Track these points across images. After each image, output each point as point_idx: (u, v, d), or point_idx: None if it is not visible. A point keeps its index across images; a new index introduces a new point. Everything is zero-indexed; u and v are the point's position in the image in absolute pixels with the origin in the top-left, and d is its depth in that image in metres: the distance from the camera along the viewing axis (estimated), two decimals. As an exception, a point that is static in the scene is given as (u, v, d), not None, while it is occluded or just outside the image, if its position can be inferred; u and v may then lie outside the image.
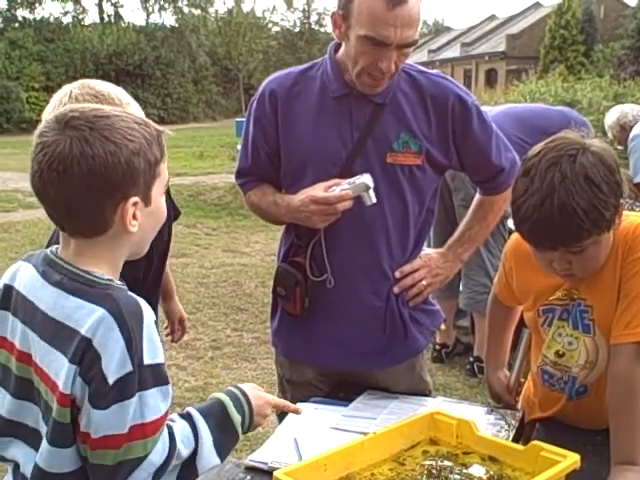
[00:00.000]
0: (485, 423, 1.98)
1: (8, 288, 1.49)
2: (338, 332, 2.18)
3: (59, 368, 1.33)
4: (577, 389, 1.96)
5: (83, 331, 1.31)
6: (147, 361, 1.32)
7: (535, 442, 1.59)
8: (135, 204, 1.38)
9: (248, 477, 1.80)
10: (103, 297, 1.35)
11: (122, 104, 1.95)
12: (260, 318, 5.72)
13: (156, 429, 1.33)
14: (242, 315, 5.78)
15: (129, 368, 1.30)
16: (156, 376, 1.34)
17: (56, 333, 1.36)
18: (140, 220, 1.40)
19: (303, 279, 2.15)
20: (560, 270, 1.82)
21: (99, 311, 1.32)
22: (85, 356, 1.30)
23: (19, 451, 1.45)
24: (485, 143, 2.17)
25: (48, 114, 1.92)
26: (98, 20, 38.15)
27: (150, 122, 1.46)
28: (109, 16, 38.27)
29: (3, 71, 29.89)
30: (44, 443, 1.35)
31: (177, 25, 36.99)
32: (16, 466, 1.47)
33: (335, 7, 2.01)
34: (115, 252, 1.43)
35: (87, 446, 1.32)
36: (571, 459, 1.50)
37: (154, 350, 1.34)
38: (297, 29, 39.32)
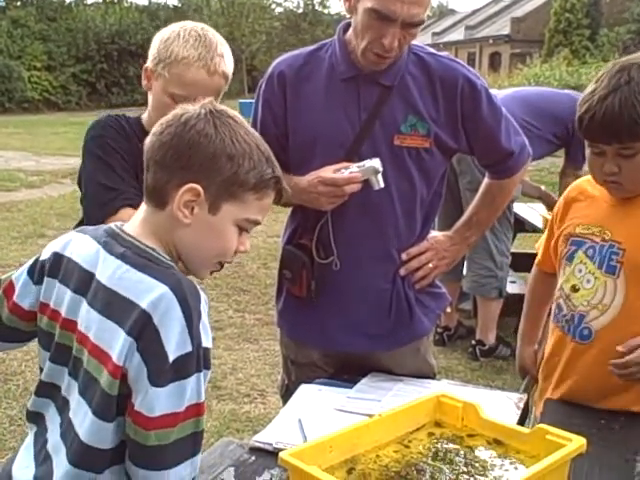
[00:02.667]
0: (489, 406, 1.98)
1: (58, 257, 1.50)
2: (344, 314, 2.18)
3: (113, 338, 1.33)
4: (581, 330, 1.98)
5: (144, 305, 1.31)
6: (204, 344, 1.34)
7: (541, 425, 1.59)
8: (196, 194, 1.38)
9: (252, 457, 1.81)
10: (167, 275, 1.36)
11: (215, 51, 2.00)
12: (262, 299, 5.72)
13: (204, 408, 1.37)
14: (244, 296, 5.78)
15: (189, 348, 1.31)
16: (207, 359, 1.36)
17: (112, 304, 1.36)
18: (196, 220, 1.40)
19: (309, 261, 2.15)
20: (609, 174, 1.90)
21: (162, 288, 1.32)
22: (144, 331, 1.30)
23: (52, 415, 1.47)
24: (494, 126, 2.16)
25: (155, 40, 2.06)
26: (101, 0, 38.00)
27: (275, 162, 1.47)
28: (112, -5, 38.13)
29: (5, 50, 29.78)
30: (88, 414, 1.35)
31: (180, 5, 36.84)
32: (39, 432, 1.48)
33: None
34: (170, 238, 1.43)
35: (142, 429, 1.31)
36: (577, 443, 1.50)
37: (207, 334, 1.36)
38: (300, 10, 39.15)
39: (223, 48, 2.04)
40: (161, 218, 1.42)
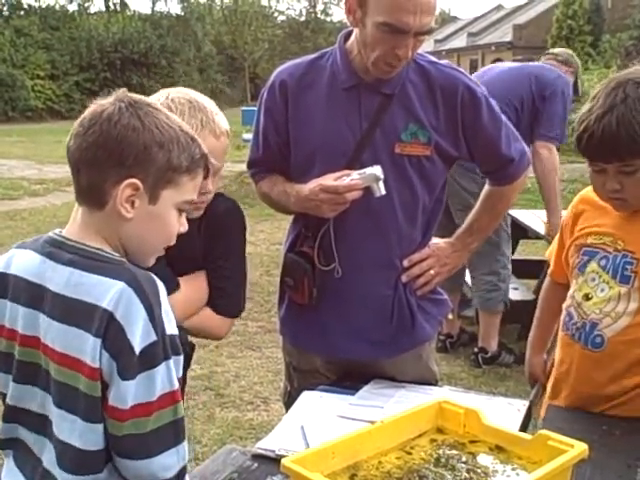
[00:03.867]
0: (491, 412, 1.98)
1: (3, 276, 1.48)
2: (345, 321, 2.19)
3: (82, 344, 1.34)
4: (593, 338, 1.98)
5: (104, 304, 1.32)
6: (169, 331, 1.36)
7: (542, 431, 1.59)
8: (136, 188, 1.38)
9: (255, 464, 1.80)
10: (120, 271, 1.36)
11: (212, 112, 1.95)
12: (265, 307, 5.73)
13: (179, 394, 1.38)
14: (247, 304, 5.74)
15: (154, 337, 1.32)
16: (175, 345, 1.38)
17: (73, 311, 1.36)
18: (139, 213, 1.40)
19: (311, 269, 2.16)
20: (612, 192, 1.90)
21: (118, 284, 1.33)
22: (109, 329, 1.32)
23: (29, 436, 1.46)
24: (495, 134, 2.16)
25: None
26: (104, 8, 38.10)
27: (200, 142, 1.47)
28: (115, 4, 38.21)
29: (8, 59, 29.85)
30: (78, 422, 1.36)
31: (183, 13, 36.90)
32: (20, 456, 1.48)
33: None
34: (115, 235, 1.43)
35: (116, 421, 1.33)
36: (579, 448, 1.50)
37: (171, 321, 1.38)
38: (303, 18, 39.26)
39: (214, 106, 2.01)
40: (101, 217, 1.41)
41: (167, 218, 1.45)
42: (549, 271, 2.28)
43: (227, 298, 2.04)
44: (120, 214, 1.39)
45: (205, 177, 1.52)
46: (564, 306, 2.10)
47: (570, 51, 4.97)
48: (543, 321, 2.32)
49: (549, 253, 2.29)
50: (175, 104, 1.93)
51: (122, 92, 1.44)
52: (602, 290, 1.98)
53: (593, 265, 2.01)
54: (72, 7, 37.01)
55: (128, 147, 1.37)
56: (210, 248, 2.02)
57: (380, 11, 1.92)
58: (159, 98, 1.98)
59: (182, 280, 1.94)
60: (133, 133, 1.37)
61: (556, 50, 4.91)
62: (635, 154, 1.82)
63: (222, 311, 2.04)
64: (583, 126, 1.87)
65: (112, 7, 38.12)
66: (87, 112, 1.42)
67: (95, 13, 37.69)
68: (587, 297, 2.01)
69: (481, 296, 4.56)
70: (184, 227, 1.50)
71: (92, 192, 1.40)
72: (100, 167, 1.38)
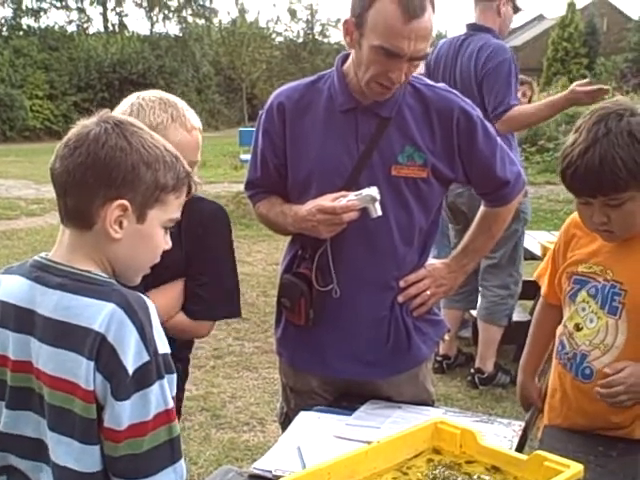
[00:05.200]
0: (488, 433, 1.99)
1: None
2: (342, 341, 2.19)
3: (75, 367, 1.34)
4: (583, 369, 1.99)
5: (96, 327, 1.33)
6: (161, 350, 1.36)
7: (538, 452, 1.60)
8: (124, 209, 1.39)
9: (252, 485, 1.81)
10: (110, 293, 1.37)
11: (183, 110, 1.98)
12: (262, 327, 5.71)
13: (174, 413, 1.38)
14: (244, 324, 5.77)
15: (146, 357, 1.33)
16: (168, 364, 1.38)
17: (65, 334, 1.37)
18: (127, 233, 1.41)
19: (308, 290, 2.16)
20: (599, 224, 1.91)
21: (109, 306, 1.34)
22: (101, 351, 1.32)
23: (23, 461, 1.46)
24: (490, 157, 2.18)
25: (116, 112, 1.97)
26: (102, 29, 38.24)
27: (182, 160, 1.49)
28: (113, 25, 38.32)
29: (7, 79, 29.90)
30: (74, 444, 1.36)
31: (181, 35, 37.04)
32: (16, 479, 1.47)
33: (349, 14, 2.02)
34: (103, 255, 1.43)
35: (112, 442, 1.34)
36: (574, 469, 1.51)
37: (163, 340, 1.38)
38: (300, 40, 39.38)
39: (184, 104, 2.04)
40: (89, 238, 1.42)
41: (154, 237, 1.46)
42: (542, 292, 2.28)
43: (203, 304, 2.05)
44: (108, 235, 1.40)
45: (187, 194, 1.53)
46: (558, 333, 2.11)
47: None
48: (536, 343, 2.32)
49: (537, 275, 2.30)
50: (145, 101, 1.97)
51: (105, 112, 1.45)
52: (591, 321, 1.98)
53: (583, 294, 2.02)
54: (71, 28, 37.16)
55: (116, 168, 1.38)
56: (193, 253, 2.03)
57: (376, 34, 1.95)
58: (130, 99, 2.01)
59: (155, 291, 1.94)
60: (121, 153, 1.38)
61: None
62: (620, 189, 1.82)
63: (196, 317, 2.06)
64: (567, 162, 1.87)
65: (111, 28, 38.27)
66: (71, 134, 1.42)
67: (94, 34, 37.81)
68: (578, 327, 2.01)
69: (487, 307, 4.54)
70: (168, 245, 1.51)
71: (80, 214, 1.41)
72: (88, 188, 1.38)
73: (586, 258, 2.03)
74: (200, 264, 2.04)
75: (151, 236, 1.45)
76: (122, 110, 1.98)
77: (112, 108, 1.53)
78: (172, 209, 1.47)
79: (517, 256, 4.49)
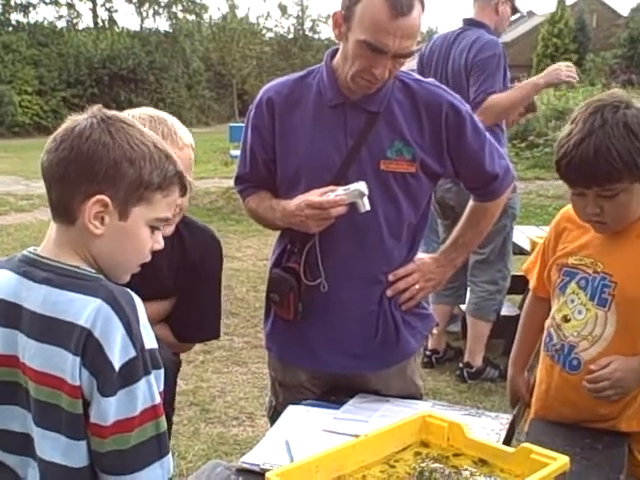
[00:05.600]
0: (475, 426, 2.00)
1: None
2: (331, 335, 2.20)
3: (61, 362, 1.34)
4: (571, 360, 2.00)
5: (82, 322, 1.33)
6: (148, 346, 1.36)
7: (525, 444, 1.61)
8: (104, 205, 1.38)
9: (240, 479, 1.81)
10: (96, 288, 1.37)
11: (174, 126, 1.98)
12: (251, 322, 5.72)
13: (161, 409, 1.38)
14: (233, 319, 5.77)
15: (133, 353, 1.33)
16: (155, 359, 1.38)
17: (51, 329, 1.36)
18: (109, 230, 1.40)
19: (297, 285, 2.17)
20: (592, 215, 1.92)
21: (95, 302, 1.34)
22: (87, 347, 1.32)
23: (9, 456, 1.46)
24: (479, 151, 2.19)
25: None
26: (92, 25, 38.09)
27: (175, 159, 1.47)
28: (103, 21, 38.17)
29: (-4, 75, 29.82)
30: (61, 439, 1.36)
31: (171, 30, 36.93)
32: (2, 474, 1.47)
33: (339, 7, 2.03)
34: (87, 251, 1.42)
35: (98, 438, 1.34)
36: (561, 461, 1.52)
37: (150, 335, 1.38)
38: (291, 35, 39.35)
39: (177, 122, 2.04)
40: (74, 233, 1.41)
41: (138, 235, 1.44)
42: (531, 286, 2.29)
43: (190, 328, 2.15)
44: (90, 230, 1.39)
45: (182, 195, 1.52)
46: (546, 325, 2.12)
47: None
48: (526, 337, 2.34)
49: (525, 268, 2.31)
50: (136, 119, 1.96)
51: (97, 108, 1.44)
52: (580, 312, 2.00)
53: (573, 286, 2.03)
54: (60, 23, 37.01)
55: (98, 162, 1.37)
56: (186, 279, 2.09)
57: (363, 29, 1.95)
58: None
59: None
60: (103, 149, 1.37)
61: None
62: (614, 180, 1.84)
63: (184, 339, 2.17)
64: (562, 152, 1.88)
65: (100, 24, 38.14)
66: (61, 128, 1.42)
67: (83, 29, 37.66)
68: (566, 319, 2.03)
69: (476, 303, 4.56)
70: (159, 244, 1.49)
71: (63, 208, 1.41)
72: (70, 183, 1.38)
73: (577, 250, 2.05)
74: (193, 290, 2.10)
75: (135, 234, 1.44)
76: None
77: (102, 104, 1.52)
78: (159, 208, 1.45)
79: (506, 251, 4.51)
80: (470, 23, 4.38)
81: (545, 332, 2.12)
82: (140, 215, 1.43)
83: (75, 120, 1.42)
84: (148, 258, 1.49)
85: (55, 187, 1.41)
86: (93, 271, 1.42)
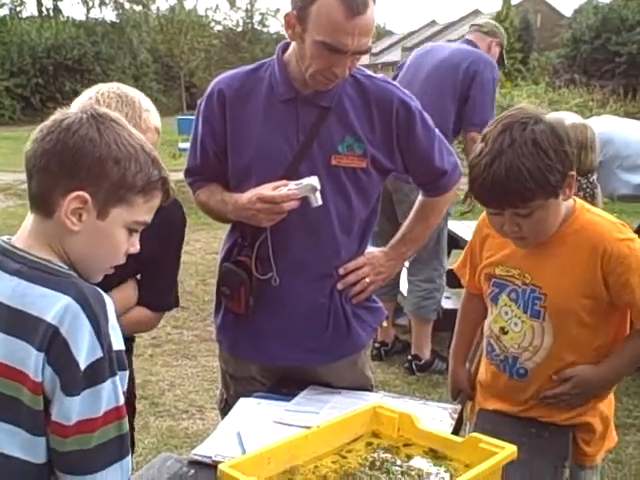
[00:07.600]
0: (425, 417, 2.03)
1: None
2: (282, 328, 2.21)
3: (26, 357, 1.32)
4: (517, 369, 2.04)
5: (49, 319, 1.31)
6: (115, 347, 1.35)
7: (473, 434, 1.64)
8: (84, 202, 1.36)
9: (192, 471, 1.81)
10: (67, 285, 1.35)
11: (141, 108, 1.96)
12: (200, 316, 5.70)
13: (124, 410, 1.37)
14: (182, 313, 5.74)
15: (100, 354, 1.32)
16: (121, 361, 1.37)
17: (17, 322, 1.34)
18: (86, 227, 1.38)
19: (248, 278, 2.17)
20: (510, 233, 1.91)
21: (65, 299, 1.32)
22: (52, 344, 1.30)
23: None
24: (428, 147, 2.22)
25: (74, 104, 1.93)
26: (36, 13, 37.34)
27: (161, 164, 1.45)
28: (48, 10, 37.43)
29: (-63, 63, 29.05)
30: (22, 434, 1.34)
31: (118, 21, 36.40)
32: None
33: (289, 7, 2.02)
34: (61, 246, 1.41)
35: (59, 437, 1.32)
36: (508, 450, 1.56)
37: (118, 336, 1.37)
38: (240, 29, 39.20)
39: (146, 102, 2.03)
40: (50, 227, 1.40)
41: (115, 236, 1.43)
42: (464, 284, 2.31)
43: (159, 296, 2.17)
44: (66, 226, 1.38)
45: (164, 201, 1.50)
46: (485, 334, 2.14)
47: (494, 22, 5.06)
48: (463, 331, 2.37)
49: (457, 268, 2.32)
50: (104, 97, 1.95)
51: (89, 104, 1.43)
52: (516, 324, 2.02)
53: (504, 298, 2.05)
54: (3, 11, 36.20)
55: (82, 158, 1.36)
56: (152, 250, 2.02)
57: (319, 30, 1.95)
58: (90, 92, 1.99)
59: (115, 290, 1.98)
60: (89, 145, 1.36)
61: (481, 21, 4.90)
62: (527, 200, 1.81)
63: (156, 309, 2.18)
64: (474, 174, 1.86)
65: (45, 12, 37.40)
66: (49, 119, 1.40)
67: (27, 18, 36.90)
68: (504, 331, 2.05)
69: (415, 303, 4.62)
70: (134, 248, 1.47)
71: (41, 200, 1.39)
72: (52, 175, 1.36)
73: (503, 260, 2.05)
74: (159, 260, 2.10)
75: (111, 235, 1.42)
76: (79, 102, 1.96)
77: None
78: (139, 211, 1.43)
79: (440, 249, 4.57)
80: (467, 42, 4.66)
81: (485, 341, 2.14)
82: (119, 216, 1.41)
83: (65, 113, 1.40)
84: (122, 260, 1.48)
85: (36, 177, 1.38)
86: (65, 267, 1.40)
